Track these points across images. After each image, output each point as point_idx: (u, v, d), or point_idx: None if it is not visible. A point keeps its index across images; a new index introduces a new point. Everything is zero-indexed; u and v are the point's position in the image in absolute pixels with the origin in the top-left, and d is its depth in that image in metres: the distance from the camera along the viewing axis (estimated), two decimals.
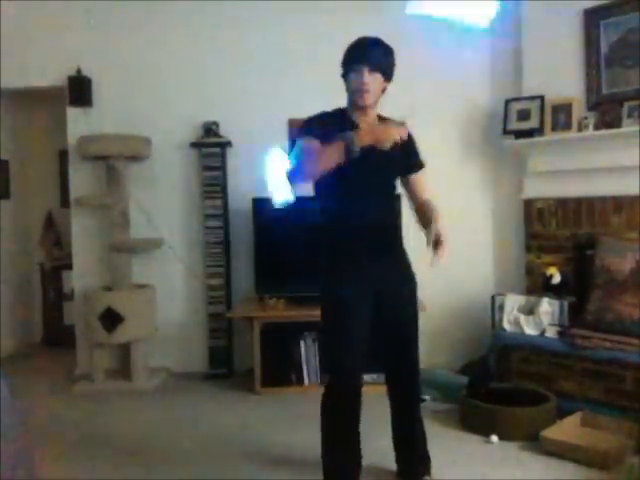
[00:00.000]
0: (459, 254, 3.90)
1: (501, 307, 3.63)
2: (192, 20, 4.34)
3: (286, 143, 4.19)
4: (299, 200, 3.68)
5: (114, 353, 4.39)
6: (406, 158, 2.38)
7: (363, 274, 2.29)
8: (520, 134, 3.93)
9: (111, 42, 4.34)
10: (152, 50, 4.35)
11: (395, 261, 2.41)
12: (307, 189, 2.47)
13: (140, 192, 4.36)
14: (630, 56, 3.54)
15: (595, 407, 3.09)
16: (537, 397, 3.13)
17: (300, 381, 3.89)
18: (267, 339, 3.87)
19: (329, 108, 2.37)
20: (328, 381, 2.37)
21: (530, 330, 3.48)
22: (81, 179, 4.42)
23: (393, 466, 2.58)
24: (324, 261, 2.38)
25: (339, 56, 2.30)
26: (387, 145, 2.11)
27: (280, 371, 3.90)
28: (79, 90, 4.30)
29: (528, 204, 4.00)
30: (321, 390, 2.39)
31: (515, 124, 3.93)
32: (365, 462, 2.49)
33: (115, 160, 4.15)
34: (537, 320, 3.47)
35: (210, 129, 4.27)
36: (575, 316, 3.42)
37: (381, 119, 2.36)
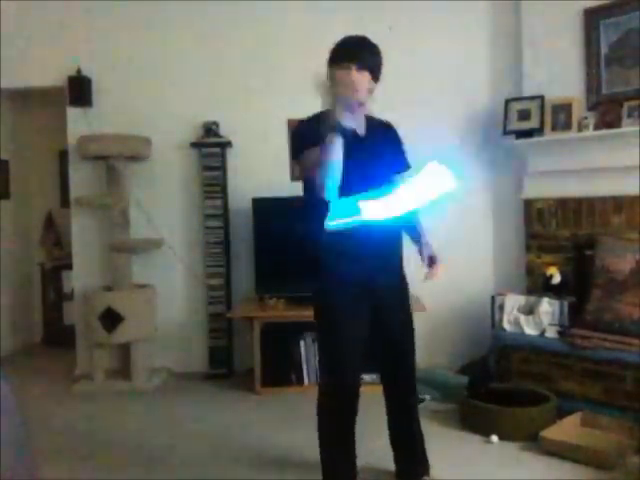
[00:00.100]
0: (459, 254, 3.92)
1: (501, 307, 3.63)
2: (192, 20, 4.34)
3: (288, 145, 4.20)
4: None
5: (114, 353, 4.39)
6: (393, 157, 2.37)
7: (362, 274, 2.28)
8: (520, 134, 3.93)
9: (111, 42, 4.35)
10: (152, 50, 4.35)
11: (393, 261, 2.40)
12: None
13: (140, 192, 4.36)
14: (630, 56, 3.54)
15: (595, 407, 3.10)
16: (537, 397, 3.13)
17: (300, 381, 3.90)
18: (267, 339, 3.87)
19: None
20: (326, 381, 2.35)
21: (530, 330, 3.48)
22: (81, 179, 4.42)
23: (392, 466, 2.57)
24: (321, 261, 2.37)
25: None
26: (349, 92, 2.08)
27: (280, 371, 3.91)
28: (79, 90, 4.30)
29: (528, 204, 4.00)
30: None
31: (515, 124, 3.93)
32: (363, 462, 2.47)
33: (115, 160, 4.14)
34: (537, 320, 3.47)
35: (210, 129, 4.27)
36: (575, 316, 3.42)
37: (367, 118, 2.31)
